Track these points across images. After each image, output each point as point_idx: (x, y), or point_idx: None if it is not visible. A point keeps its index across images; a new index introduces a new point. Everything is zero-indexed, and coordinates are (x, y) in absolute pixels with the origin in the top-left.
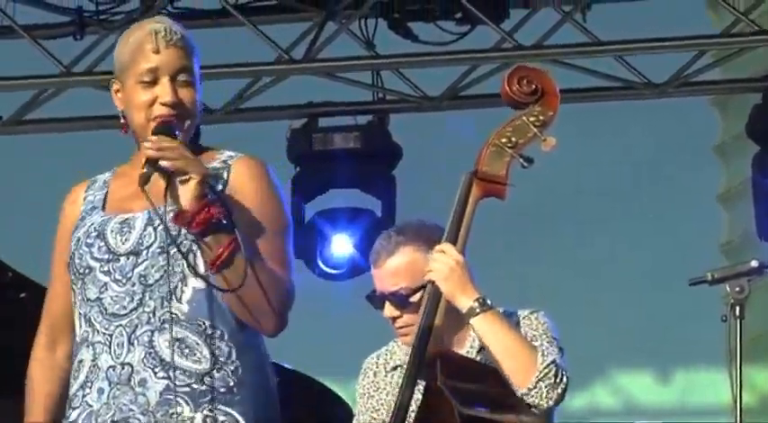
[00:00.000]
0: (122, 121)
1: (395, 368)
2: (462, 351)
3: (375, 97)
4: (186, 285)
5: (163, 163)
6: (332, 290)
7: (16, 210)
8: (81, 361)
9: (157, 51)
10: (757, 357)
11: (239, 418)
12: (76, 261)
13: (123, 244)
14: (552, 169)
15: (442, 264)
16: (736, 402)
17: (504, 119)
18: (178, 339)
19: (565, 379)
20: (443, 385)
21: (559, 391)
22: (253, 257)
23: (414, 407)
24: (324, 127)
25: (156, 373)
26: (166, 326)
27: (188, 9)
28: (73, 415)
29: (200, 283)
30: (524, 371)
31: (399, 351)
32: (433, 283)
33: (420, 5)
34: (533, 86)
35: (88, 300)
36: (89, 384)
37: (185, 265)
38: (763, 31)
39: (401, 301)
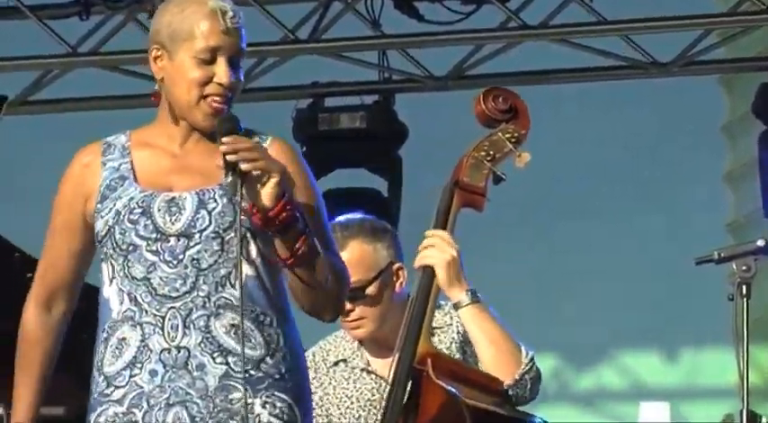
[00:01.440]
0: (156, 88)
1: (336, 363)
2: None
3: (381, 77)
4: (239, 272)
5: (243, 166)
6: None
7: (22, 190)
8: (124, 339)
9: (225, 31)
10: (764, 337)
11: (293, 404)
12: (117, 236)
13: (173, 224)
14: (558, 149)
15: (444, 251)
16: (742, 382)
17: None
18: (234, 325)
19: (540, 375)
20: (439, 380)
21: (539, 385)
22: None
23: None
24: (329, 107)
25: (214, 359)
26: (221, 311)
27: None
28: (116, 394)
29: (251, 270)
30: (510, 364)
31: (338, 346)
32: (426, 273)
33: None
34: (507, 104)
35: (133, 278)
36: (139, 365)
37: (239, 250)
38: None
39: (354, 294)
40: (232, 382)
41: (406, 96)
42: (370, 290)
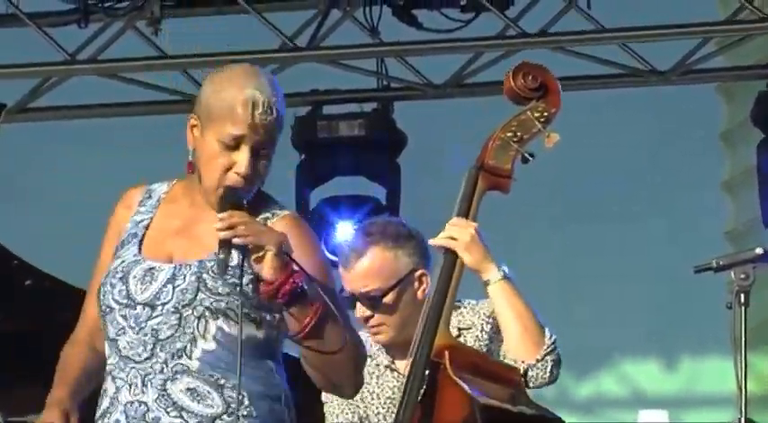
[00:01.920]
0: (190, 159)
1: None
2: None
3: (380, 85)
4: (195, 347)
5: (236, 241)
6: (336, 277)
7: (20, 198)
8: (105, 390)
9: (251, 126)
10: (763, 345)
11: None
12: (101, 297)
13: (142, 293)
14: (556, 156)
15: (464, 233)
16: (740, 390)
17: (508, 108)
18: (190, 389)
19: (560, 360)
20: (455, 376)
21: (558, 369)
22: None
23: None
24: (328, 114)
25: (168, 413)
26: (179, 376)
27: None
28: None
29: (209, 346)
30: (533, 343)
31: (365, 343)
32: (448, 259)
33: None
34: (538, 82)
35: (108, 338)
36: (108, 415)
37: (195, 327)
38: None
39: (373, 301)
40: None
41: (404, 104)
42: (389, 298)
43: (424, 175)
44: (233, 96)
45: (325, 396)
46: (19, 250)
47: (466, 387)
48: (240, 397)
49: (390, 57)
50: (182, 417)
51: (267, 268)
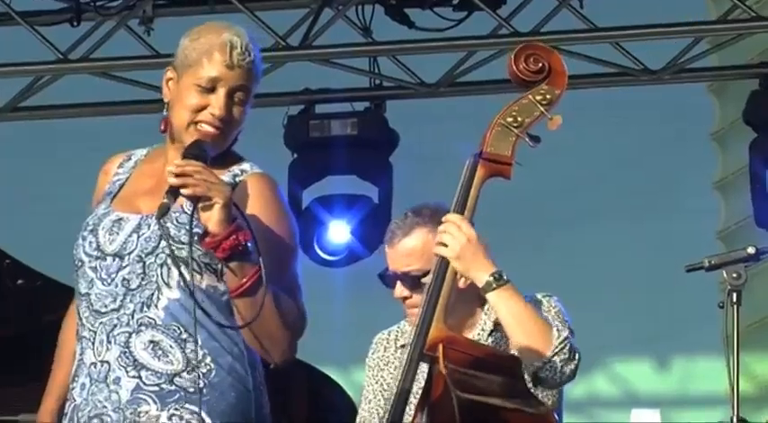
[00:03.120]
0: (164, 113)
1: (403, 346)
2: (473, 334)
3: (372, 84)
4: (162, 294)
5: (183, 191)
6: (329, 276)
7: (12, 197)
8: (74, 354)
9: (229, 66)
10: (755, 345)
11: (205, 417)
12: (74, 252)
13: (110, 244)
14: (546, 157)
15: (454, 241)
16: (733, 390)
17: (499, 107)
18: (153, 342)
19: (577, 356)
20: (445, 370)
21: (572, 367)
22: (270, 287)
23: (415, 388)
24: (321, 113)
25: (128, 372)
26: (143, 329)
27: None
28: (67, 405)
29: (174, 294)
30: (539, 345)
31: (410, 330)
32: (442, 259)
33: None
34: (540, 64)
35: (79, 293)
36: (76, 378)
37: (159, 275)
38: (760, 17)
39: (413, 282)
40: (142, 396)
41: (397, 103)
42: (427, 279)
43: (416, 174)
44: (210, 40)
45: (364, 386)
46: (12, 252)
47: (449, 380)
48: (201, 353)
49: (383, 56)
50: (139, 376)
51: (212, 221)
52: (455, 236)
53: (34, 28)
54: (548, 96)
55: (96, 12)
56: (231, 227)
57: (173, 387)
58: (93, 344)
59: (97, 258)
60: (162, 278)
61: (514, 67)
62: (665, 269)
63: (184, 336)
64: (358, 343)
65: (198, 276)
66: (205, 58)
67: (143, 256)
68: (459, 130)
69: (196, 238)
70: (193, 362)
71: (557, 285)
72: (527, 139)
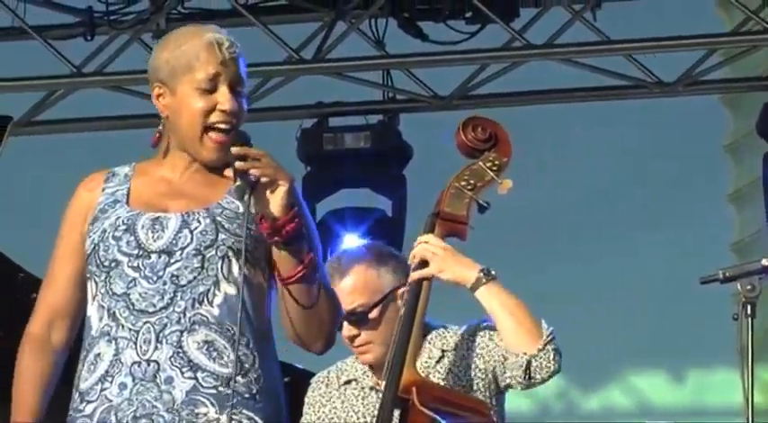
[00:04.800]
0: (159, 128)
1: (348, 382)
2: (420, 363)
3: (385, 97)
4: (219, 290)
5: (253, 171)
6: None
7: (26, 211)
8: (99, 355)
9: (222, 63)
10: None
11: None
12: (101, 253)
13: (155, 241)
14: (562, 168)
15: (433, 255)
16: (747, 402)
17: (514, 119)
18: (207, 342)
19: (560, 352)
20: (425, 408)
21: (559, 359)
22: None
23: None
24: (334, 127)
25: (183, 373)
26: (196, 327)
27: (198, 9)
28: (88, 408)
29: (231, 289)
30: (532, 334)
31: (351, 367)
32: (411, 287)
33: (430, 5)
34: (488, 133)
35: (114, 294)
36: (109, 379)
37: (219, 269)
38: None
39: (359, 319)
40: (199, 397)
41: (410, 116)
42: (374, 314)
43: (430, 187)
44: (194, 45)
45: (304, 413)
46: (26, 265)
47: (436, 417)
48: (252, 356)
49: (396, 69)
50: (196, 378)
51: (277, 204)
52: (431, 250)
53: (48, 42)
54: (496, 163)
55: (110, 26)
56: (293, 211)
57: (229, 390)
58: (135, 343)
59: (138, 257)
60: (222, 272)
61: (463, 136)
62: (679, 281)
63: (237, 337)
64: None
65: (252, 270)
66: (196, 61)
67: (201, 249)
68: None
69: (254, 226)
70: (245, 365)
71: (571, 298)
72: (479, 202)
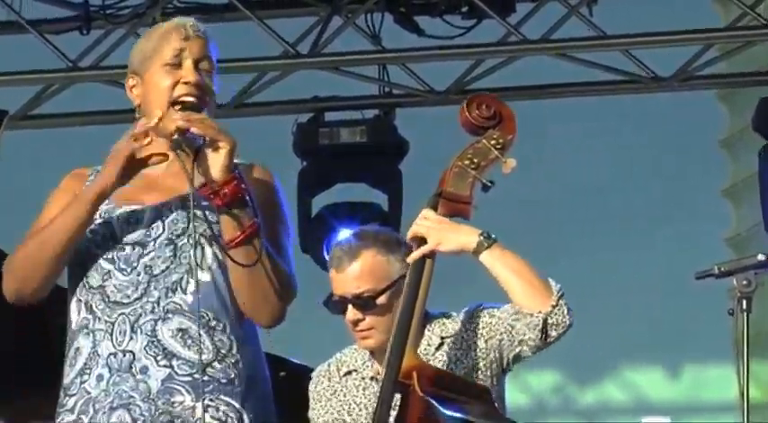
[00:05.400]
0: (137, 116)
1: (348, 373)
2: (419, 351)
3: (381, 91)
4: (192, 277)
5: (194, 130)
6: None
7: (22, 205)
8: (78, 349)
9: (186, 38)
10: (766, 351)
11: (239, 408)
12: (78, 248)
13: (130, 234)
14: (558, 166)
15: (430, 229)
16: (743, 396)
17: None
18: (181, 330)
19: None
20: (425, 395)
21: (572, 314)
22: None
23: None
24: (330, 121)
25: (157, 361)
26: (170, 316)
27: (194, 3)
28: (70, 402)
29: (205, 276)
30: (542, 293)
31: (350, 358)
32: (416, 263)
33: None
34: (492, 111)
35: (90, 287)
36: (87, 371)
37: (192, 256)
38: None
39: (365, 303)
40: (175, 385)
41: (406, 111)
42: (381, 300)
43: (425, 182)
44: (159, 31)
45: (311, 408)
46: None
47: (436, 404)
48: (228, 342)
49: (392, 63)
50: (171, 366)
51: (217, 166)
52: (427, 225)
53: (44, 36)
54: (501, 141)
55: (106, 20)
56: (233, 174)
57: (206, 377)
58: (111, 335)
59: (112, 249)
60: (195, 259)
61: (467, 114)
62: (674, 276)
63: (213, 323)
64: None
65: (225, 255)
66: (162, 42)
67: (174, 238)
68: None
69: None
70: (222, 351)
71: (566, 293)
72: (482, 182)
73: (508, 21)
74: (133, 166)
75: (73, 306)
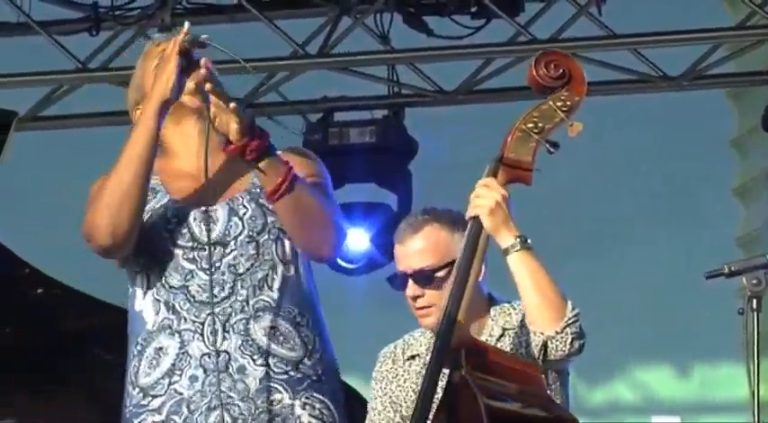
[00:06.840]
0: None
1: (413, 357)
2: (482, 338)
3: (390, 91)
4: (276, 273)
5: (208, 86)
6: (348, 285)
7: (32, 206)
8: (161, 348)
9: (168, 39)
10: None
11: (330, 406)
12: (154, 246)
13: (209, 234)
14: (567, 164)
15: (488, 198)
16: (753, 396)
17: (518, 114)
18: (273, 327)
19: (584, 336)
20: (468, 376)
21: (581, 342)
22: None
23: (439, 394)
24: (339, 121)
25: (254, 360)
26: (261, 314)
27: (203, 4)
28: (155, 403)
29: (289, 270)
30: (554, 313)
31: (416, 341)
32: (475, 221)
33: None
34: (561, 70)
35: (171, 287)
36: (178, 372)
37: (274, 251)
38: None
39: (426, 278)
40: (273, 384)
41: (415, 111)
42: (440, 275)
43: (435, 182)
44: (147, 50)
45: (371, 399)
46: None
47: (477, 391)
48: (314, 336)
49: (401, 63)
50: (268, 364)
51: (233, 127)
52: (487, 195)
53: (53, 37)
54: (568, 102)
55: (115, 21)
56: (254, 129)
57: (299, 374)
58: (201, 335)
59: (194, 249)
60: (277, 255)
61: (535, 72)
62: (684, 275)
63: (299, 319)
64: (377, 351)
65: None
66: (152, 55)
67: (254, 235)
68: (478, 138)
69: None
70: (309, 347)
71: (576, 293)
72: (547, 145)
73: (517, 20)
74: (182, 77)
75: (148, 306)
